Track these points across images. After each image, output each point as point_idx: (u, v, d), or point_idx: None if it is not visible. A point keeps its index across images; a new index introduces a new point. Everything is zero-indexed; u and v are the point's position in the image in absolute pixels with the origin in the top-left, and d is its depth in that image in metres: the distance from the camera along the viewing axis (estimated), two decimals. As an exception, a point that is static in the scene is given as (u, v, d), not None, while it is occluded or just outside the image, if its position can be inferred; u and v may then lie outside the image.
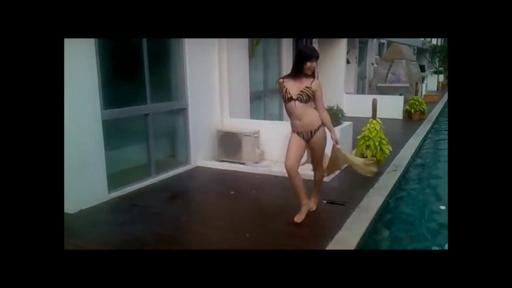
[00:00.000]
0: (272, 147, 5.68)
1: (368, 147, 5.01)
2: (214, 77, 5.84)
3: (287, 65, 8.11)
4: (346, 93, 10.61)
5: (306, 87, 3.30)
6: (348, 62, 11.01)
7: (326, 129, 3.47)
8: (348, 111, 6.60)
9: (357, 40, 11.94)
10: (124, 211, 3.96)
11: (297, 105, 3.31)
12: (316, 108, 3.40)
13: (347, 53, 10.78)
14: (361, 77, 13.46)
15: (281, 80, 3.42)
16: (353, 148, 5.42)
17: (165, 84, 5.24)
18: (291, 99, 3.32)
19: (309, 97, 3.30)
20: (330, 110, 5.01)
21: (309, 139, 3.42)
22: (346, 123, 5.62)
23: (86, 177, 4.00)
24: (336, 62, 10.18)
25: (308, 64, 3.26)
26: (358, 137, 5.21)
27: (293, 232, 3.39)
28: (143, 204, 4.17)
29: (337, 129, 4.43)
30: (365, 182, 4.44)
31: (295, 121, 3.40)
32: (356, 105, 8.88)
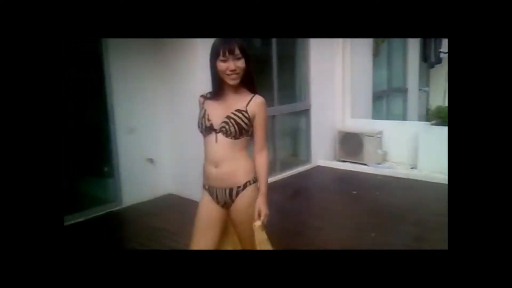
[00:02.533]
0: (395, 148, 5.54)
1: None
2: (337, 77, 5.93)
3: (412, 64, 7.75)
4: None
5: (238, 110, 1.88)
6: None
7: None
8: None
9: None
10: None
11: (219, 141, 1.90)
12: (254, 144, 1.98)
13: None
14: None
15: (201, 97, 2.02)
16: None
17: (290, 86, 5.53)
18: (211, 129, 1.91)
19: (242, 129, 1.88)
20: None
21: (228, 205, 1.96)
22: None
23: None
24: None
25: (222, 64, 1.83)
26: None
27: (419, 235, 3.32)
28: (270, 198, 4.48)
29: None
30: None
31: (209, 168, 1.95)
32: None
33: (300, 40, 5.42)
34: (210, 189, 1.98)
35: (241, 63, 1.84)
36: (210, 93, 1.98)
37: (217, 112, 1.91)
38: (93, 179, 4.55)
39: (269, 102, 5.04)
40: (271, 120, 5.13)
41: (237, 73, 1.84)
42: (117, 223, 4.00)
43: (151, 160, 4.45)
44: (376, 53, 6.67)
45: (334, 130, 5.92)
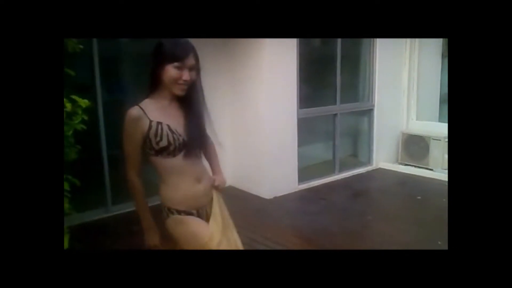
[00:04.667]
0: (465, 154, 5.23)
1: None
2: (403, 78, 5.71)
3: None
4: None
5: (197, 117, 1.75)
6: None
7: None
8: None
9: None
10: (312, 203, 4.30)
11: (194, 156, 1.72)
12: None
13: None
14: None
15: (139, 110, 1.63)
16: None
17: (354, 85, 5.41)
18: (184, 144, 1.67)
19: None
20: None
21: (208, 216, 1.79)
22: None
23: (281, 169, 4.48)
24: None
25: (175, 71, 1.60)
26: None
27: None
28: (329, 198, 4.43)
29: None
30: None
31: (192, 186, 1.72)
32: None
33: (366, 40, 5.28)
34: (199, 211, 1.73)
35: (194, 75, 1.64)
36: (144, 103, 1.64)
37: (178, 123, 1.66)
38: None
39: (331, 100, 5.02)
40: (332, 118, 5.06)
41: (188, 84, 1.62)
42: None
43: None
44: (445, 54, 6.34)
45: (398, 132, 5.70)
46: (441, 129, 5.47)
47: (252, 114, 4.43)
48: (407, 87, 5.74)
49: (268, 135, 4.32)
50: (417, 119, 5.81)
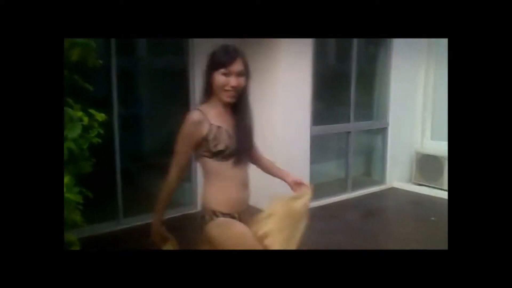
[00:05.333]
0: (481, 175, 5.13)
1: None
2: (418, 96, 5.67)
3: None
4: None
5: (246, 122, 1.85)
6: None
7: None
8: None
9: None
10: (324, 220, 4.25)
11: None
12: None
13: None
14: None
15: (200, 112, 1.69)
16: None
17: (368, 103, 5.39)
18: (236, 151, 1.74)
19: None
20: None
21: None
22: None
23: (293, 186, 4.46)
24: None
25: (223, 78, 1.65)
26: None
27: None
28: (341, 216, 4.38)
29: None
30: None
31: (240, 193, 1.80)
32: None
33: (381, 56, 5.29)
34: (240, 216, 1.76)
35: (243, 81, 1.68)
36: (203, 107, 1.70)
37: (233, 129, 1.72)
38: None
39: (345, 118, 5.00)
40: (345, 136, 5.03)
41: (237, 91, 1.67)
42: (190, 225, 4.13)
43: None
44: (461, 73, 6.30)
45: (412, 151, 5.64)
46: (457, 149, 5.40)
47: (265, 130, 4.44)
48: (422, 106, 5.70)
49: (281, 151, 4.31)
50: (431, 139, 5.74)
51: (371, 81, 5.40)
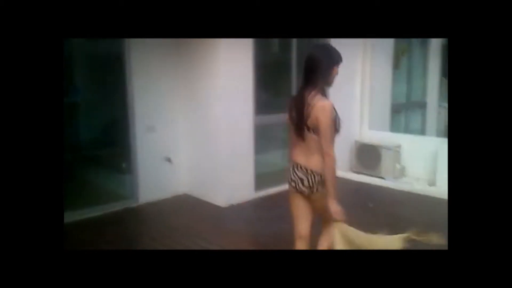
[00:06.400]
0: (414, 164, 5.44)
1: None
2: (355, 86, 5.85)
3: (432, 79, 7.67)
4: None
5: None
6: None
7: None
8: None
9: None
10: (269, 210, 4.28)
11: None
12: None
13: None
14: None
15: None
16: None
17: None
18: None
19: None
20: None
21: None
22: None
23: (237, 176, 4.42)
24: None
25: (336, 69, 2.23)
26: None
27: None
28: (287, 205, 4.43)
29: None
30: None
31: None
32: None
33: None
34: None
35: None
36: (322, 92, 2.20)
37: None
38: (111, 175, 4.54)
39: (283, 108, 5.02)
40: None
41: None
42: (132, 219, 3.97)
43: (168, 159, 4.42)
44: (396, 66, 6.60)
45: (351, 141, 5.84)
46: (393, 139, 5.68)
47: (207, 119, 4.35)
48: (360, 96, 5.89)
49: (224, 141, 4.25)
50: (369, 129, 5.98)
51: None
